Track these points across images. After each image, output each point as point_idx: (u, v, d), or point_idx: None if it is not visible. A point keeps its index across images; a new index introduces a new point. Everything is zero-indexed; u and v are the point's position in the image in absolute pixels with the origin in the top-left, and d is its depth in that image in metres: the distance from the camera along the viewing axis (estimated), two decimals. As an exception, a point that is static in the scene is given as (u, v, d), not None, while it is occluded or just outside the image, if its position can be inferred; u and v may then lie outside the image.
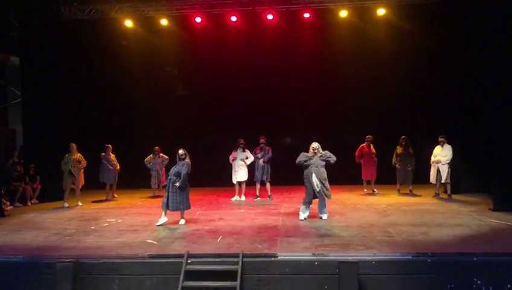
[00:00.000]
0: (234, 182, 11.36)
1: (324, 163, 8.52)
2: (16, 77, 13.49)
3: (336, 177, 9.40)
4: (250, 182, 11.47)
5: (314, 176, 8.41)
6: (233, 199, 11.39)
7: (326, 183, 8.50)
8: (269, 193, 11.36)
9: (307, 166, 8.52)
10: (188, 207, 8.56)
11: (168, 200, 8.33)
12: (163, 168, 12.32)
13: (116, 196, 12.31)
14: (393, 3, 13.08)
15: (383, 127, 13.34)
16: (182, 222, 8.48)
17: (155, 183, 12.46)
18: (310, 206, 8.70)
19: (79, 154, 11.25)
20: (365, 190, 12.06)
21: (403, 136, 11.77)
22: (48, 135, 12.07)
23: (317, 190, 8.42)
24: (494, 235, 7.18)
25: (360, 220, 8.44)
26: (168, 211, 8.40)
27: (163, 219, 8.39)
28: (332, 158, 8.52)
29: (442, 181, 10.92)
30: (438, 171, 10.96)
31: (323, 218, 8.59)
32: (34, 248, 7.02)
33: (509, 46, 9.18)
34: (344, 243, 6.77)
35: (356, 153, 11.89)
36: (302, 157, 8.57)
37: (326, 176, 8.51)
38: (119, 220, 9.01)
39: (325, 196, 8.50)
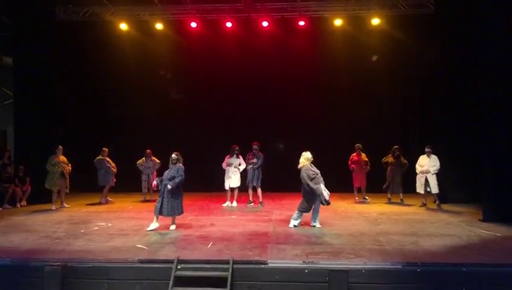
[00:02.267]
0: (227, 187, 11.34)
1: None
2: (9, 77, 13.41)
3: (327, 185, 9.36)
4: (243, 188, 11.46)
5: (323, 186, 8.39)
6: (224, 204, 11.36)
7: None
8: (261, 200, 11.32)
9: (314, 177, 8.40)
10: (181, 213, 8.54)
11: (161, 205, 8.27)
12: (155, 173, 12.25)
13: (110, 199, 12.23)
14: (387, 13, 13.28)
15: (376, 135, 13.43)
16: (173, 227, 8.43)
17: (145, 187, 12.39)
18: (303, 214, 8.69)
19: (63, 157, 11.20)
20: (356, 198, 12.10)
21: (395, 146, 11.86)
22: (40, 137, 11.96)
23: (327, 198, 8.31)
24: (484, 245, 7.22)
25: (350, 229, 8.45)
26: (160, 216, 8.34)
27: (154, 224, 8.33)
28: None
29: (432, 192, 10.95)
30: (426, 181, 11.00)
31: (317, 226, 8.58)
32: (22, 250, 6.94)
33: (502, 57, 9.25)
34: (334, 251, 6.78)
35: (349, 163, 11.98)
36: (310, 174, 8.33)
37: None
38: (109, 224, 8.94)
39: (325, 204, 8.45)
